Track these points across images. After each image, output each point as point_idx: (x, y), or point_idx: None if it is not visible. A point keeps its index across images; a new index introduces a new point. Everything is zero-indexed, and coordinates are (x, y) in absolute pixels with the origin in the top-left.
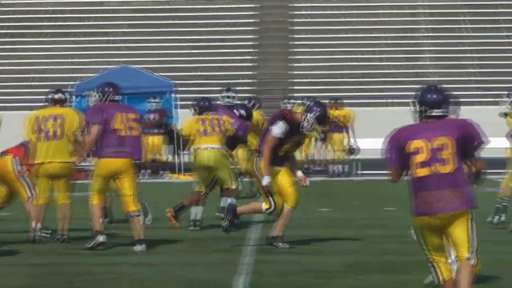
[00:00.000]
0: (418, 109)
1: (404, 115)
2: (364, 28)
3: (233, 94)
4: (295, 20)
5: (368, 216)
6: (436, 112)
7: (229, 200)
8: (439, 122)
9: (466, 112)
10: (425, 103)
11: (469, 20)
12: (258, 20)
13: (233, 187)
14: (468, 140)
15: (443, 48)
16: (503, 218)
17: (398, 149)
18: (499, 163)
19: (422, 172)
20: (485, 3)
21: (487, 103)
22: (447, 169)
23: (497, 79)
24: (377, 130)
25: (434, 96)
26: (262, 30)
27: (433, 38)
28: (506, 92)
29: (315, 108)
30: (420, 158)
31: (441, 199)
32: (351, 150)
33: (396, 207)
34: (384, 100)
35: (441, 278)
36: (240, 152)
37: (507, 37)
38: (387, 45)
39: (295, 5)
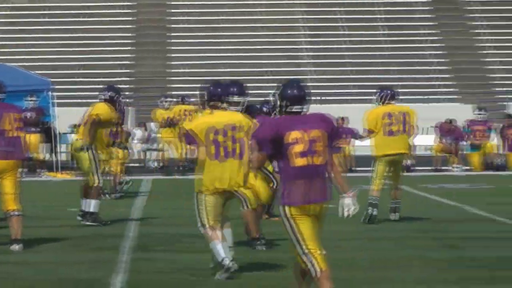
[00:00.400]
0: (279, 103)
1: None
2: (242, 26)
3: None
4: (173, 18)
5: None
6: (296, 108)
7: (93, 202)
8: (309, 115)
9: (344, 110)
10: (286, 99)
11: (345, 18)
12: (135, 18)
13: (95, 184)
14: (331, 135)
15: (321, 47)
16: (375, 213)
17: (274, 138)
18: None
19: (300, 162)
20: (361, 1)
21: (364, 101)
22: (320, 160)
23: (374, 77)
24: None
25: (296, 92)
26: (139, 28)
27: (311, 37)
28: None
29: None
30: (298, 148)
31: (315, 189)
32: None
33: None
34: (263, 98)
35: (318, 269)
36: None
37: (383, 35)
38: (264, 43)
39: (172, 3)
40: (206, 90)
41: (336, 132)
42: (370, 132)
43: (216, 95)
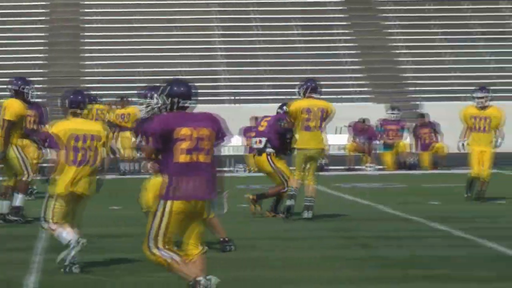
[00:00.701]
0: (168, 101)
1: None
2: (156, 26)
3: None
4: (86, 18)
5: None
6: (189, 104)
7: (20, 196)
8: (199, 114)
9: (258, 110)
10: (178, 95)
11: (259, 18)
12: (48, 18)
13: (24, 178)
14: (217, 134)
15: (235, 46)
16: (292, 203)
17: (164, 133)
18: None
19: (185, 158)
20: (274, 1)
21: (278, 101)
22: (206, 158)
23: (288, 76)
24: None
25: (185, 88)
26: (52, 28)
27: (224, 36)
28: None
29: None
30: (185, 145)
31: (198, 186)
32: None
33: None
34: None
35: (178, 257)
36: None
37: (297, 35)
38: (178, 43)
39: (86, 3)
40: (66, 97)
41: (222, 133)
42: (292, 122)
43: (76, 102)
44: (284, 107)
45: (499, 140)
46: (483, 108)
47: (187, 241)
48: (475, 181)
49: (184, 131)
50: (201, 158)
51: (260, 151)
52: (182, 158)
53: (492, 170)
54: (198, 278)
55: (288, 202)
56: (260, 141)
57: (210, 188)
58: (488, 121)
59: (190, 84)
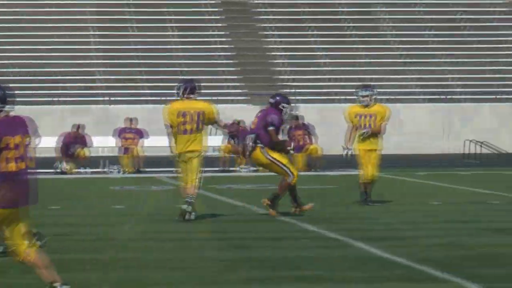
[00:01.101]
0: None
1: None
2: (32, 26)
3: None
4: None
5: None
6: (8, 108)
7: None
8: (15, 118)
9: (133, 111)
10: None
11: (135, 19)
12: None
13: None
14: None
15: (110, 47)
16: (192, 217)
17: None
18: (163, 161)
19: (12, 167)
20: (151, 2)
21: (154, 102)
22: (24, 165)
23: (164, 78)
24: (56, 128)
25: (4, 91)
26: None
27: (100, 37)
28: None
29: None
30: (12, 153)
31: (21, 193)
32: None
33: (60, 205)
34: (56, 99)
35: None
36: None
37: (174, 36)
38: (54, 43)
39: None
40: None
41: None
42: (171, 127)
43: None
44: (278, 97)
45: (367, 130)
46: (368, 106)
47: (14, 242)
48: (366, 185)
49: (10, 139)
50: (22, 165)
51: (252, 148)
52: (11, 167)
53: (378, 171)
54: None
55: (187, 217)
56: (251, 138)
57: (30, 193)
58: (373, 118)
59: (5, 86)
